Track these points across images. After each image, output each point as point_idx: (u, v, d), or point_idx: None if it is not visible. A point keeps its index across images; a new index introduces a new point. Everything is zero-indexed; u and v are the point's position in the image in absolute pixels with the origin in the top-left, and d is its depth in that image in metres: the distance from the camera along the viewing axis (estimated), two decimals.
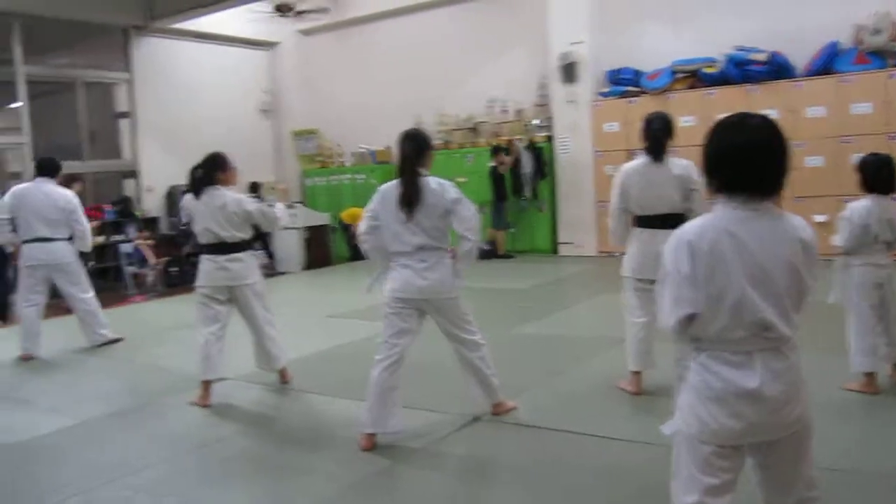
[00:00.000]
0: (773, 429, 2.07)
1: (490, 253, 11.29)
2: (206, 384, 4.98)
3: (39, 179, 6.84)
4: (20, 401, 5.40)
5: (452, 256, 4.07)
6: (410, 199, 3.92)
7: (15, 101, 11.44)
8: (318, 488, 3.60)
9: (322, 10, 12.56)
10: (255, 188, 12.23)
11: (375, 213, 4.09)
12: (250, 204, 5.05)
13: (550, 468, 3.65)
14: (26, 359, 6.66)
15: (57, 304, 7.69)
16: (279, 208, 5.22)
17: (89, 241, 7.04)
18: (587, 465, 3.68)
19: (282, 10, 12.16)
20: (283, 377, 5.37)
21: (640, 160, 4.51)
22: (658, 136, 4.44)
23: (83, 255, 7.24)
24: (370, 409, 3.96)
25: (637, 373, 4.60)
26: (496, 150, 11.53)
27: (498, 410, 4.35)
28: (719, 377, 2.06)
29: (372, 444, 3.96)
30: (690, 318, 2.06)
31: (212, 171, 5.00)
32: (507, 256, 11.55)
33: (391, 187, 4.03)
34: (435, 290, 3.98)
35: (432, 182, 4.00)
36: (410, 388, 4.53)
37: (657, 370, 4.56)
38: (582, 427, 4.12)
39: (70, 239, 6.86)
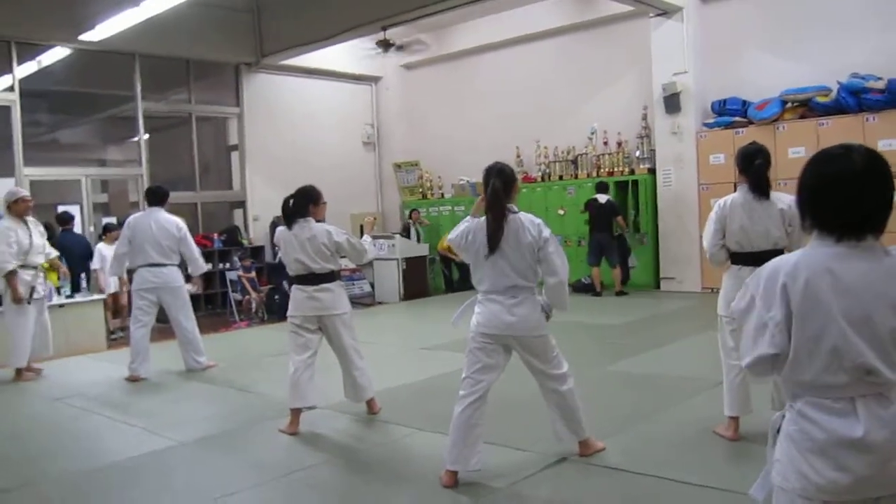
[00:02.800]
0: (883, 484, 1.87)
1: (589, 287, 11.12)
2: (295, 412, 5.04)
3: (150, 209, 7.19)
4: (120, 421, 5.60)
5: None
6: (496, 238, 3.82)
7: (135, 135, 12.12)
8: None
9: (420, 43, 12.74)
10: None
11: (462, 249, 4.02)
12: (339, 235, 5.11)
13: None
14: (133, 380, 6.93)
15: (162, 328, 8.00)
16: (367, 241, 5.28)
17: (201, 263, 7.33)
18: None
19: (383, 45, 12.43)
20: (371, 408, 5.37)
21: (740, 194, 4.31)
22: (762, 170, 4.23)
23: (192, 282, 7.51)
24: (452, 447, 3.88)
25: (735, 418, 4.36)
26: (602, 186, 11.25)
27: (584, 451, 4.19)
28: (820, 426, 1.89)
29: (454, 482, 3.88)
30: (772, 359, 1.92)
31: (304, 203, 5.10)
32: (621, 293, 11.08)
33: (479, 225, 3.94)
34: (522, 327, 3.88)
35: (524, 219, 3.91)
36: (496, 425, 4.46)
37: (756, 415, 4.30)
38: (674, 473, 3.91)
39: (179, 265, 7.18)
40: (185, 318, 7.19)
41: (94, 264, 10.03)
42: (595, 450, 4.22)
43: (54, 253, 7.69)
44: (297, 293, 5.11)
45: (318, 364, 5.16)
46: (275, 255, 13.22)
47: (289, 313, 5.16)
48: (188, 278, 7.43)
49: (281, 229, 5.18)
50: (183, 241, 7.12)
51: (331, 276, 5.11)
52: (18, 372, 7.21)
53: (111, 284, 10.06)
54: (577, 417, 4.12)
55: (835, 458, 1.86)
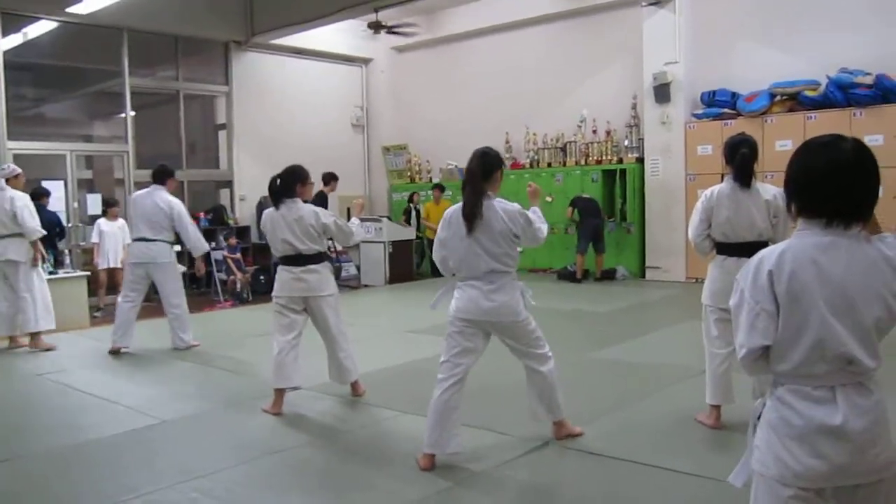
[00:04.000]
0: (860, 472, 1.90)
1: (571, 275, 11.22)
2: (279, 392, 5.05)
3: (152, 186, 7.25)
4: (103, 398, 5.59)
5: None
6: (472, 216, 3.83)
7: (122, 111, 12.01)
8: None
9: (413, 26, 12.67)
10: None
11: (444, 239, 4.02)
12: (327, 217, 5.10)
13: (616, 500, 3.51)
14: (115, 351, 7.02)
15: (152, 307, 8.00)
16: (355, 223, 5.26)
17: (200, 244, 7.37)
18: (656, 501, 3.52)
19: (375, 27, 12.35)
20: (356, 390, 5.38)
21: (727, 185, 4.33)
22: (747, 160, 4.26)
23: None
24: (431, 430, 3.90)
25: (717, 406, 4.41)
26: None
27: (559, 432, 4.24)
28: (799, 413, 1.91)
29: (431, 464, 3.91)
30: (763, 351, 1.94)
31: (291, 182, 5.07)
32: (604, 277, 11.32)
33: (457, 208, 3.96)
34: (501, 312, 3.89)
35: (498, 205, 3.90)
36: (476, 408, 4.50)
37: (737, 405, 4.35)
38: (654, 459, 3.95)
39: (172, 242, 7.22)
40: (173, 294, 7.21)
41: (93, 239, 10.28)
42: (571, 433, 4.26)
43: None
44: (282, 274, 5.09)
45: (303, 345, 5.15)
46: (261, 235, 13.20)
47: (274, 293, 5.14)
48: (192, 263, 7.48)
49: (268, 210, 5.14)
50: (177, 221, 7.13)
51: (318, 258, 5.09)
52: (37, 336, 7.39)
53: (109, 260, 10.14)
54: (555, 398, 4.14)
55: (812, 444, 1.89)
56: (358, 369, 5.36)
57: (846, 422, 1.87)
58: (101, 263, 10.19)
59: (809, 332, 1.89)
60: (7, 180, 7.23)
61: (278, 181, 5.08)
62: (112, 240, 10.21)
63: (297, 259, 5.05)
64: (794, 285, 1.90)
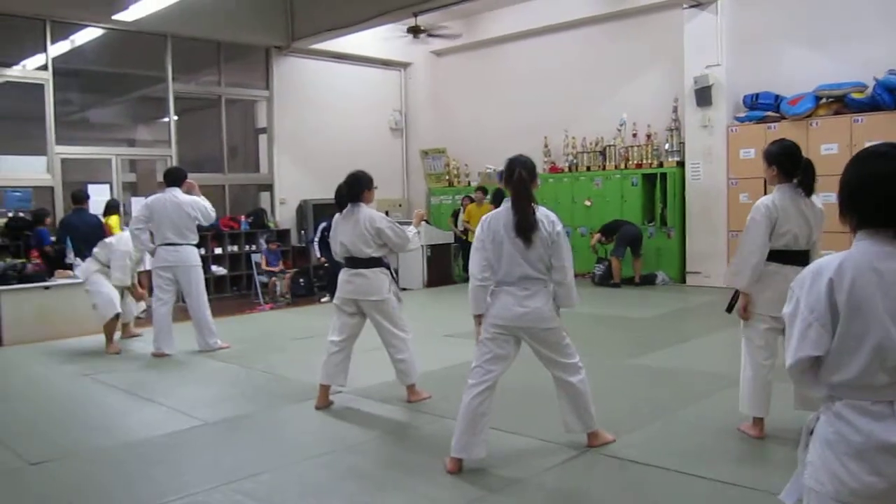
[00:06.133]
0: None
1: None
2: (323, 387, 5.23)
3: (168, 189, 7.33)
4: (147, 399, 5.69)
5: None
6: (529, 228, 3.83)
7: (165, 115, 12.22)
8: None
9: (455, 35, 12.71)
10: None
11: (483, 244, 3.99)
12: (383, 222, 5.16)
13: None
14: (158, 356, 7.12)
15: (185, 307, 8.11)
16: (411, 231, 5.34)
17: (208, 212, 7.39)
18: None
19: (414, 31, 12.40)
20: (410, 394, 5.38)
21: (787, 194, 4.20)
22: (809, 166, 4.17)
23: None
24: (459, 435, 3.92)
25: (760, 418, 4.33)
26: None
27: (593, 442, 4.21)
28: (857, 430, 1.86)
29: (458, 468, 3.93)
30: (813, 362, 1.90)
31: (359, 188, 5.21)
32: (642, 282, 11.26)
33: (498, 215, 3.96)
34: (534, 318, 3.90)
35: (540, 213, 3.92)
36: (505, 412, 4.49)
37: (778, 414, 4.28)
38: (693, 468, 3.89)
39: (198, 245, 7.31)
40: (194, 298, 7.31)
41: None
42: (604, 441, 4.23)
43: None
44: (341, 275, 5.27)
45: (356, 347, 5.33)
46: (299, 238, 13.32)
47: (335, 294, 5.36)
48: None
49: (336, 216, 5.30)
50: (195, 210, 7.22)
51: (370, 262, 5.16)
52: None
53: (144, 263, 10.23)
54: (588, 409, 4.12)
55: (871, 462, 1.84)
56: (415, 375, 5.37)
57: None
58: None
59: (869, 341, 1.84)
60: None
61: (346, 188, 5.21)
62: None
63: (351, 262, 5.19)
64: (856, 294, 1.85)
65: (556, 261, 3.92)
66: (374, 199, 5.35)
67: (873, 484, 1.84)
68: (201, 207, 7.28)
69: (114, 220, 10.00)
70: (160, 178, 12.33)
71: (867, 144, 2.06)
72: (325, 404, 5.22)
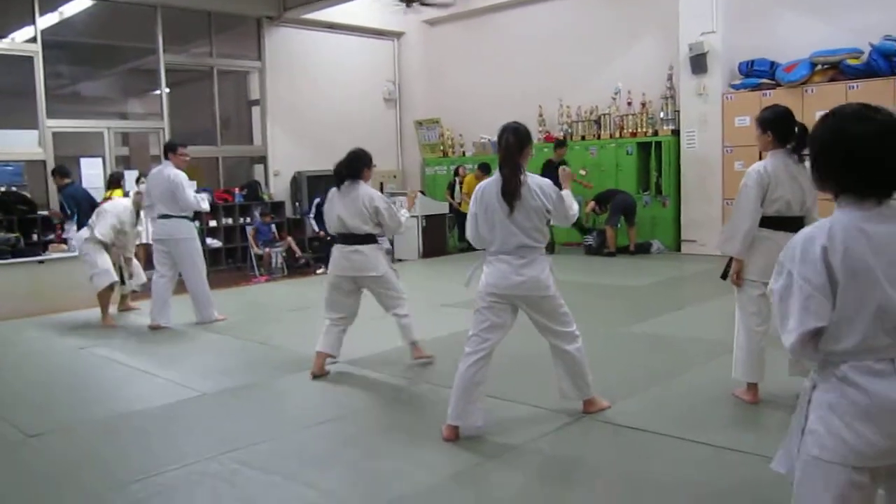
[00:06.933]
0: None
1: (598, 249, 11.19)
2: (320, 355, 5.29)
3: (164, 162, 7.32)
4: (143, 371, 5.71)
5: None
6: (512, 193, 3.84)
7: (156, 88, 12.12)
8: (415, 476, 3.61)
9: (447, 4, 12.58)
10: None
11: (476, 214, 4.02)
12: (381, 201, 5.21)
13: (651, 474, 3.50)
14: (155, 328, 7.14)
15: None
16: (405, 216, 5.39)
17: (197, 206, 7.27)
18: (688, 474, 3.49)
19: (407, 1, 12.27)
20: (415, 351, 5.48)
21: (779, 160, 4.19)
22: (803, 131, 4.14)
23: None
24: (455, 403, 3.96)
25: (754, 383, 4.36)
26: None
27: (589, 408, 4.25)
28: (864, 391, 1.84)
29: (454, 436, 3.96)
30: (816, 333, 1.87)
31: (359, 166, 5.25)
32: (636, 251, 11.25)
33: (490, 184, 3.97)
34: (531, 286, 3.91)
35: (532, 181, 3.92)
36: (505, 381, 4.55)
37: (780, 379, 4.31)
38: (688, 433, 3.93)
39: (191, 218, 7.29)
40: (188, 270, 7.28)
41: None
42: (600, 408, 4.27)
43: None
44: (335, 251, 5.29)
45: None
46: (294, 210, 13.29)
47: (328, 270, 5.41)
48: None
49: (332, 190, 5.31)
50: (175, 189, 7.10)
51: (366, 238, 5.20)
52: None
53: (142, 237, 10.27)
54: (584, 376, 4.15)
55: (878, 422, 1.84)
56: (415, 332, 5.48)
57: None
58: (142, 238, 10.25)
59: (869, 304, 1.83)
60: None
61: (345, 165, 5.23)
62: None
63: (347, 238, 5.21)
64: (850, 259, 1.83)
65: (557, 216, 3.98)
66: (371, 177, 5.38)
67: (877, 443, 1.84)
68: (182, 196, 7.11)
69: (118, 194, 9.96)
70: (153, 150, 12.43)
71: None
72: (321, 372, 5.27)
